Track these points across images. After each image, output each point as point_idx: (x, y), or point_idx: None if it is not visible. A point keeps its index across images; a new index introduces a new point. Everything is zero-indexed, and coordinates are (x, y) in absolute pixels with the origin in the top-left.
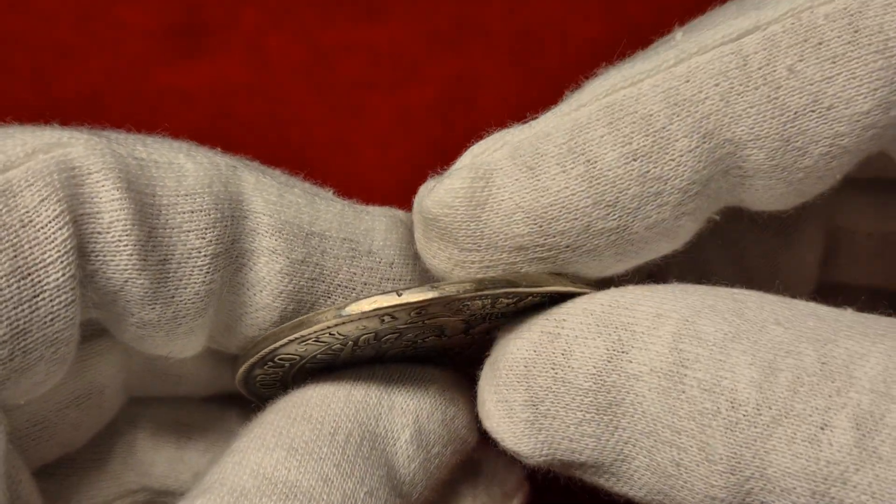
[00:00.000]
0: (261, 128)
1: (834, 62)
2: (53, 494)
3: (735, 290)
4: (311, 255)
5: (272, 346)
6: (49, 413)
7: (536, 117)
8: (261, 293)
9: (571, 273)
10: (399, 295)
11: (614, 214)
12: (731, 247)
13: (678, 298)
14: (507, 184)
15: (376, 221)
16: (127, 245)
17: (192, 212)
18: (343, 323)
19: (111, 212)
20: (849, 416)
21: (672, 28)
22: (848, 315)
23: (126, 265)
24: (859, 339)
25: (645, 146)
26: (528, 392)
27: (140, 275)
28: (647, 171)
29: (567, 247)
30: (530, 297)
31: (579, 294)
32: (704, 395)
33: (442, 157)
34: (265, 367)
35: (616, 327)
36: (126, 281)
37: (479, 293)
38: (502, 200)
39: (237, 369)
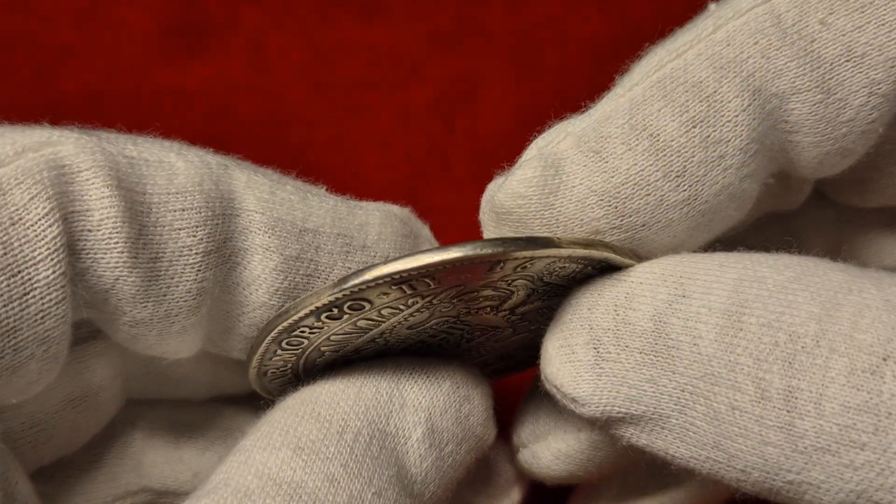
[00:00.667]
0: (261, 128)
1: (863, 11)
2: (51, 497)
3: (803, 256)
4: (305, 252)
5: (286, 323)
6: (45, 415)
7: (590, 107)
8: (256, 291)
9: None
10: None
11: (684, 184)
12: None
13: (743, 254)
14: (577, 170)
15: (370, 216)
16: (117, 242)
17: (183, 210)
18: (363, 289)
19: (101, 209)
20: None
21: (671, 28)
22: None
23: (117, 262)
24: None
25: (701, 111)
26: (590, 333)
27: (131, 272)
28: (708, 136)
29: (643, 225)
30: (571, 268)
31: (625, 265)
32: (763, 329)
33: (442, 156)
34: (276, 356)
35: (680, 276)
36: (117, 279)
37: (507, 255)
38: (574, 186)
39: (252, 353)
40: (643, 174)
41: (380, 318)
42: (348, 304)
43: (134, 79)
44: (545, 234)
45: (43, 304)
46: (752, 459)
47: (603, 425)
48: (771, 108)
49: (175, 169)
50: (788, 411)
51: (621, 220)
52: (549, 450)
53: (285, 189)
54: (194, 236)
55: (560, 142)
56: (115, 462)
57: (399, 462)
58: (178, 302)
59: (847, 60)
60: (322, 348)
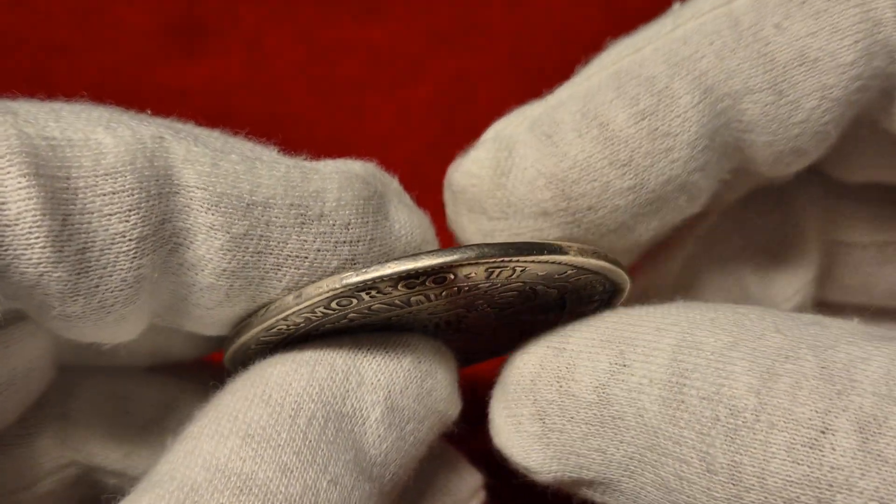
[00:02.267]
0: (259, 127)
1: (817, 17)
2: None
3: (737, 305)
4: (253, 228)
5: (260, 328)
6: None
7: (550, 93)
8: (202, 272)
9: (592, 244)
10: (414, 259)
11: (630, 172)
12: (721, 266)
13: (680, 313)
14: (529, 153)
15: (327, 181)
16: (38, 237)
17: (114, 193)
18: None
19: (18, 202)
20: (850, 420)
21: None
22: (852, 324)
23: (39, 258)
24: (861, 343)
25: (651, 104)
26: (535, 406)
27: (56, 267)
28: (657, 128)
29: (589, 208)
30: (515, 269)
31: (569, 267)
32: (703, 403)
33: (442, 156)
34: (253, 347)
35: (619, 342)
36: (41, 275)
37: (478, 261)
38: (525, 168)
39: (226, 349)
40: (590, 160)
41: (370, 312)
42: (336, 301)
43: (132, 77)
44: (556, 242)
45: None
46: None
47: (559, 486)
48: (723, 107)
49: (103, 147)
50: (734, 484)
51: (567, 203)
52: None
53: (229, 159)
54: (127, 221)
55: (517, 125)
56: (48, 436)
57: (357, 445)
58: (112, 292)
59: (800, 64)
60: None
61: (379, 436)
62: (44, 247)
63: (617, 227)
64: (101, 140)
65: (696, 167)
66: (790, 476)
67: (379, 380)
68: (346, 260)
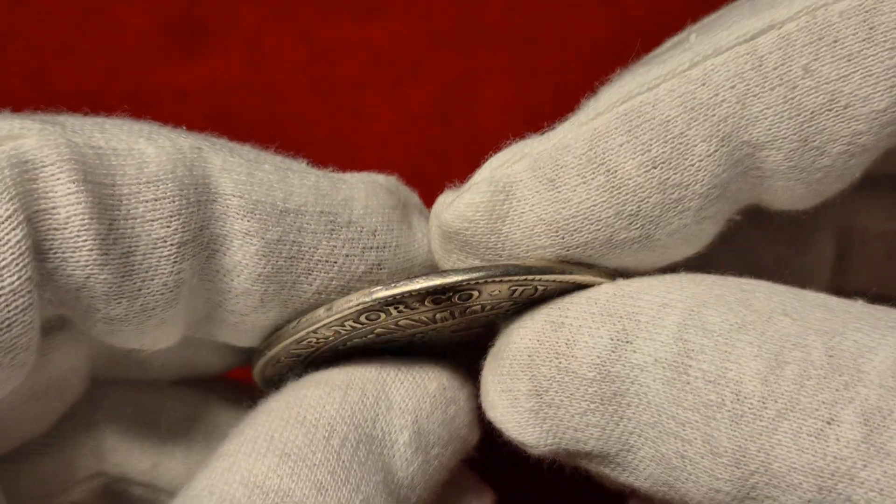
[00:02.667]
0: (260, 127)
1: (850, 60)
2: (5, 480)
3: (743, 280)
4: (287, 234)
5: (295, 337)
6: (8, 411)
7: (553, 128)
8: (238, 278)
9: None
10: (411, 281)
11: (636, 224)
12: (744, 256)
13: (684, 288)
14: (528, 196)
15: (354, 190)
16: (86, 240)
17: (156, 200)
18: (345, 318)
19: (67, 206)
20: (856, 411)
21: (671, 27)
22: (858, 306)
23: (87, 261)
24: (869, 331)
25: (664, 153)
26: (532, 382)
27: (102, 270)
28: (668, 179)
29: (589, 257)
30: (537, 288)
31: (591, 284)
32: (709, 386)
33: (442, 156)
34: (283, 360)
35: (620, 317)
36: (88, 277)
37: (489, 278)
38: (523, 213)
39: (256, 362)
40: (595, 210)
41: (396, 328)
42: (366, 314)
43: (133, 78)
44: (514, 262)
45: (9, 311)
46: (704, 501)
47: (555, 458)
48: (741, 155)
49: (145, 157)
50: (738, 467)
51: (567, 252)
52: None
53: (263, 169)
54: (168, 227)
55: (515, 163)
56: (74, 445)
57: (386, 467)
58: (153, 296)
59: (829, 111)
60: (324, 355)
61: (406, 459)
62: (91, 249)
63: (614, 269)
64: (144, 150)
65: (706, 216)
66: (794, 463)
67: (407, 405)
68: (373, 265)
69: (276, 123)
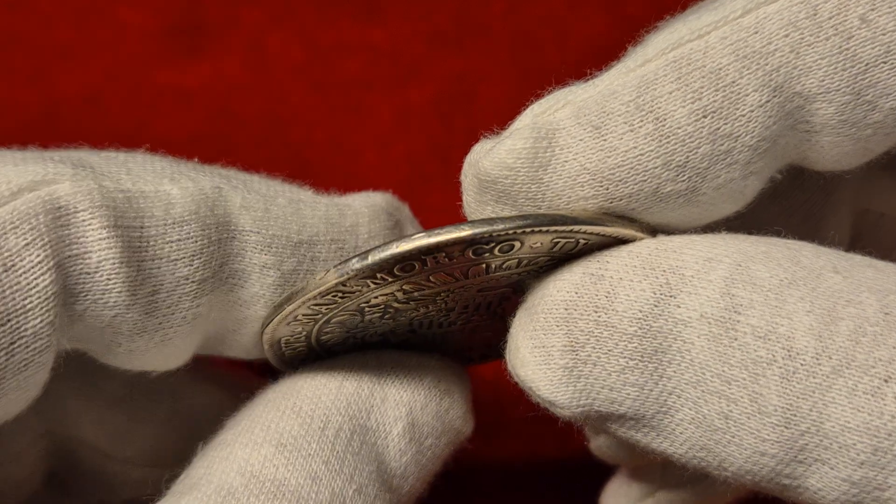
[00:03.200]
0: (260, 128)
1: None
2: None
3: (789, 240)
4: (301, 264)
5: (301, 300)
6: None
7: (598, 75)
8: (254, 307)
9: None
10: (432, 234)
11: (684, 175)
12: (758, 232)
13: (729, 244)
14: (572, 144)
15: (359, 216)
16: (116, 283)
17: (180, 240)
18: (358, 275)
19: (99, 251)
20: None
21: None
22: None
23: (115, 303)
24: None
25: (715, 102)
26: (568, 336)
27: (129, 310)
28: (718, 129)
29: (632, 210)
30: (579, 241)
31: (633, 240)
32: (759, 342)
33: (442, 156)
34: (288, 326)
35: (664, 270)
36: (115, 316)
37: (518, 228)
38: (566, 161)
39: (269, 320)
40: (642, 159)
41: (426, 284)
42: (400, 266)
43: (133, 79)
44: (560, 212)
45: (27, 353)
46: (746, 466)
47: (584, 421)
48: (792, 107)
49: (171, 198)
50: (787, 427)
51: (610, 203)
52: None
53: (277, 203)
54: (191, 265)
55: (558, 110)
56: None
57: (379, 457)
58: (172, 328)
59: (884, 63)
60: (325, 340)
61: (400, 450)
62: (120, 292)
63: (655, 226)
64: (169, 191)
65: (753, 171)
66: (849, 422)
67: (402, 396)
68: None
69: (277, 123)
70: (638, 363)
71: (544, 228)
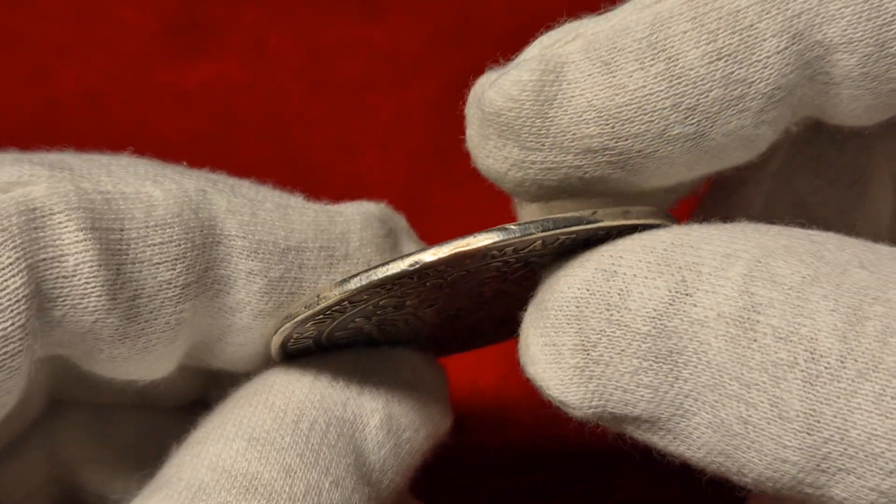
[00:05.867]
0: (260, 128)
1: None
2: None
3: (812, 231)
4: (288, 271)
5: (308, 314)
6: None
7: (611, 9)
8: (240, 314)
9: (637, 203)
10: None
11: (693, 119)
12: (801, 207)
13: (749, 237)
14: (580, 79)
15: (350, 223)
16: (94, 287)
17: (162, 243)
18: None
19: (76, 254)
20: None
21: None
22: None
23: (95, 307)
24: None
25: (731, 44)
26: (580, 335)
27: (109, 314)
28: (732, 73)
29: (639, 152)
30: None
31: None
32: (779, 343)
33: (442, 156)
34: (297, 333)
35: (680, 267)
36: (95, 321)
37: (542, 234)
38: (573, 97)
39: (272, 335)
40: (651, 99)
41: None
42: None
43: (133, 79)
44: (576, 214)
45: None
46: (767, 473)
47: (598, 422)
48: (812, 56)
49: (153, 200)
50: (810, 434)
51: (616, 143)
52: None
53: (265, 208)
54: (173, 270)
55: (568, 42)
56: (34, 451)
57: (357, 450)
58: (155, 334)
59: None
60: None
61: (378, 442)
62: (99, 296)
63: (662, 173)
64: (152, 193)
65: (766, 119)
66: (876, 430)
67: (378, 389)
68: None
69: (277, 123)
70: (652, 364)
71: (569, 230)
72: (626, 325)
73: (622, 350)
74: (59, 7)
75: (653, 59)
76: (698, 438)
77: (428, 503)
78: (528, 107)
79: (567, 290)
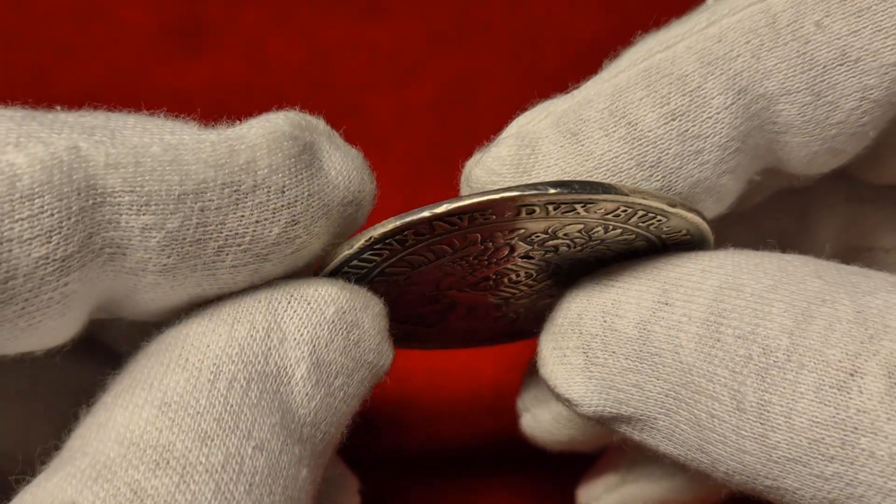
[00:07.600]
0: None
1: (860, 16)
2: None
3: (784, 254)
4: (188, 218)
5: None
6: None
7: (577, 87)
8: (143, 273)
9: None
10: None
11: (657, 175)
12: (751, 224)
13: (726, 257)
14: (552, 150)
15: (255, 149)
16: None
17: (32, 216)
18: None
19: None
20: (880, 364)
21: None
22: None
23: None
24: None
25: (682, 105)
26: (580, 339)
27: None
28: (687, 130)
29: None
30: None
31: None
32: (739, 342)
33: (442, 156)
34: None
35: (664, 281)
36: None
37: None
38: (548, 167)
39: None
40: (617, 161)
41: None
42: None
43: (133, 78)
44: (608, 181)
45: None
46: (732, 465)
47: (599, 422)
48: (758, 108)
49: (16, 169)
50: (762, 423)
51: None
52: (549, 412)
53: (150, 153)
54: (49, 243)
55: (541, 120)
56: None
57: (283, 406)
58: (39, 311)
59: (840, 64)
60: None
61: (306, 394)
62: None
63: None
64: (14, 161)
65: (726, 170)
66: (816, 416)
67: (302, 335)
68: (287, 223)
69: None
70: (637, 364)
71: (640, 200)
72: (617, 329)
73: (613, 351)
74: (59, 7)
75: (615, 126)
76: (681, 435)
77: (425, 498)
78: (509, 178)
79: (571, 302)
